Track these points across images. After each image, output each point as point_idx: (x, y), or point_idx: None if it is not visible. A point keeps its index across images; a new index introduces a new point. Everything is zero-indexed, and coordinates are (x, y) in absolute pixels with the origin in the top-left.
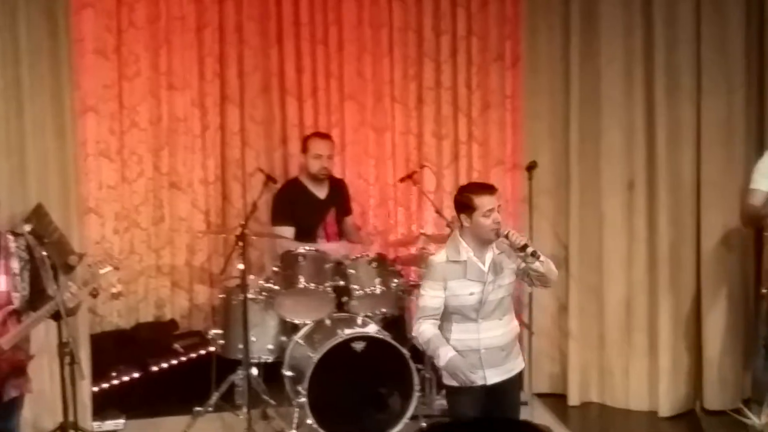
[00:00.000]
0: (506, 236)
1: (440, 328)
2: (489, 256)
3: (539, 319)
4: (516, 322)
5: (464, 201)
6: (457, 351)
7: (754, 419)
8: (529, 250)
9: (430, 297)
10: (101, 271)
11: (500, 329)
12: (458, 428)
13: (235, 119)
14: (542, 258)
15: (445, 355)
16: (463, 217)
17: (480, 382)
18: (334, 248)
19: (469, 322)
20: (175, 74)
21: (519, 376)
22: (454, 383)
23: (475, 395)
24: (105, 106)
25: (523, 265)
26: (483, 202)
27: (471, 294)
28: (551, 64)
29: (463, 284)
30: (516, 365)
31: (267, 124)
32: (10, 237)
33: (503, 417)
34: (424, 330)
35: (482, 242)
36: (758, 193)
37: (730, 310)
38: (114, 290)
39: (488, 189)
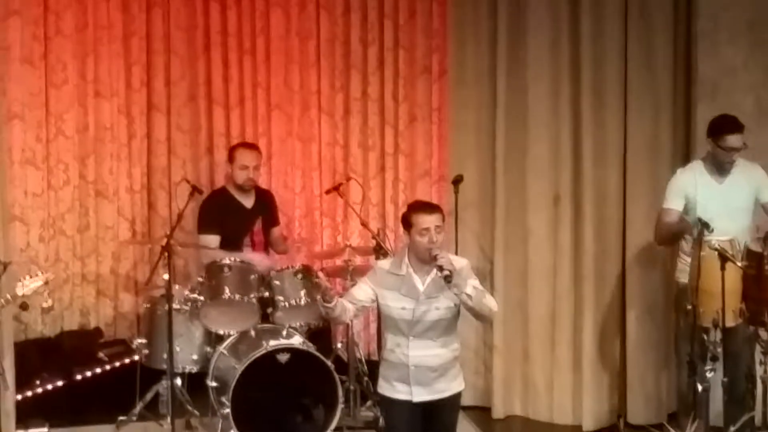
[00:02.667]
0: (435, 258)
1: (379, 337)
2: (431, 276)
3: (464, 332)
4: (456, 345)
5: (405, 217)
6: (388, 361)
7: None
8: (448, 278)
9: (358, 288)
10: (32, 285)
11: (433, 350)
12: None
13: (161, 128)
14: (469, 291)
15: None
16: (405, 233)
17: (406, 398)
18: (258, 258)
19: (400, 336)
20: (101, 82)
21: (456, 397)
22: (386, 394)
23: (404, 409)
24: (31, 114)
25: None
26: (419, 220)
27: (403, 309)
28: (478, 78)
29: (397, 297)
30: (451, 387)
31: (193, 133)
32: None
33: None
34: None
35: (421, 261)
36: (671, 212)
37: (653, 325)
38: (45, 305)
39: (427, 208)
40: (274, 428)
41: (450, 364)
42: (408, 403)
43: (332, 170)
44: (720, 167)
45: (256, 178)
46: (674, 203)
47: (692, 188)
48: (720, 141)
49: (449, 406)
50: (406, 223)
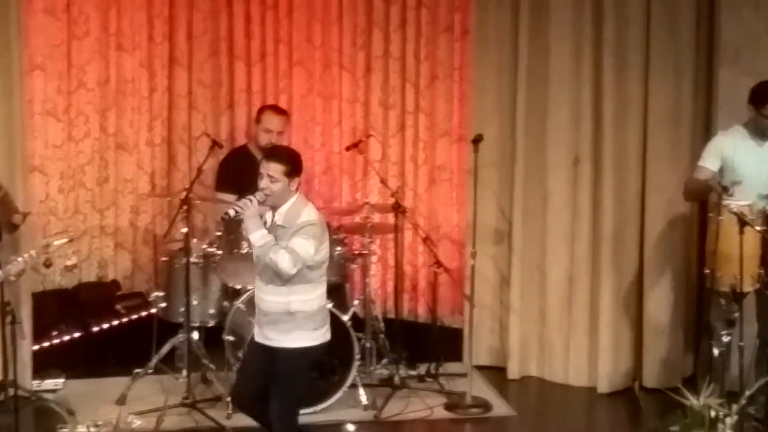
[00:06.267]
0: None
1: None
2: (269, 219)
3: (481, 292)
4: (288, 300)
5: None
6: None
7: (692, 399)
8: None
9: None
10: (56, 243)
11: (264, 294)
12: None
13: (182, 82)
14: (254, 239)
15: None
16: None
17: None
18: None
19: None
20: (123, 35)
21: (287, 353)
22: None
23: (252, 345)
24: (53, 65)
25: None
26: (263, 164)
27: None
28: (500, 38)
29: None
30: (280, 339)
31: (214, 88)
32: None
33: None
34: None
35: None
36: (704, 171)
37: (672, 289)
38: (69, 263)
39: (268, 152)
40: None
41: (281, 316)
42: (252, 340)
43: (352, 127)
44: (761, 133)
45: (279, 143)
46: (708, 162)
47: (730, 150)
48: (763, 109)
49: (282, 357)
50: None
